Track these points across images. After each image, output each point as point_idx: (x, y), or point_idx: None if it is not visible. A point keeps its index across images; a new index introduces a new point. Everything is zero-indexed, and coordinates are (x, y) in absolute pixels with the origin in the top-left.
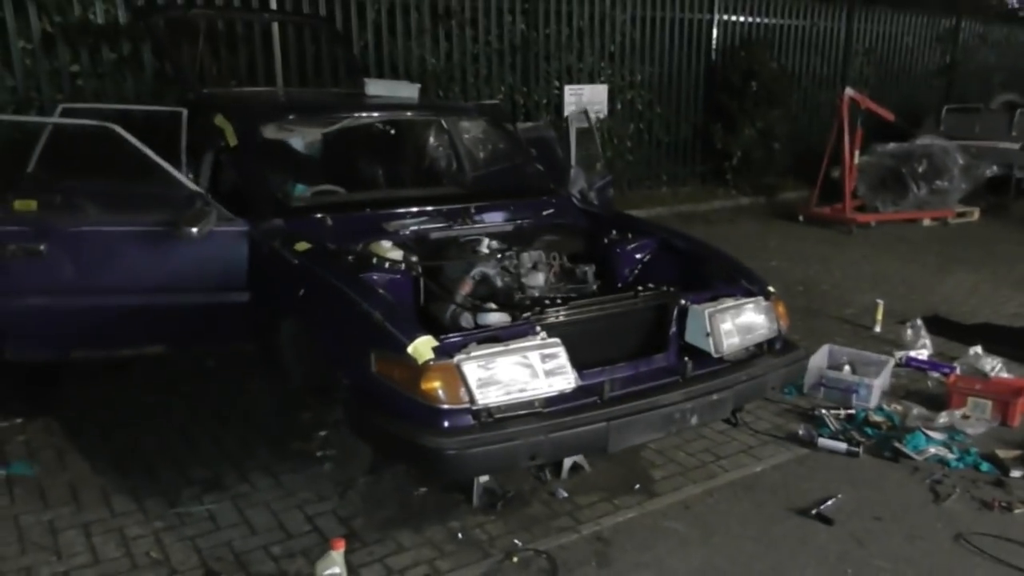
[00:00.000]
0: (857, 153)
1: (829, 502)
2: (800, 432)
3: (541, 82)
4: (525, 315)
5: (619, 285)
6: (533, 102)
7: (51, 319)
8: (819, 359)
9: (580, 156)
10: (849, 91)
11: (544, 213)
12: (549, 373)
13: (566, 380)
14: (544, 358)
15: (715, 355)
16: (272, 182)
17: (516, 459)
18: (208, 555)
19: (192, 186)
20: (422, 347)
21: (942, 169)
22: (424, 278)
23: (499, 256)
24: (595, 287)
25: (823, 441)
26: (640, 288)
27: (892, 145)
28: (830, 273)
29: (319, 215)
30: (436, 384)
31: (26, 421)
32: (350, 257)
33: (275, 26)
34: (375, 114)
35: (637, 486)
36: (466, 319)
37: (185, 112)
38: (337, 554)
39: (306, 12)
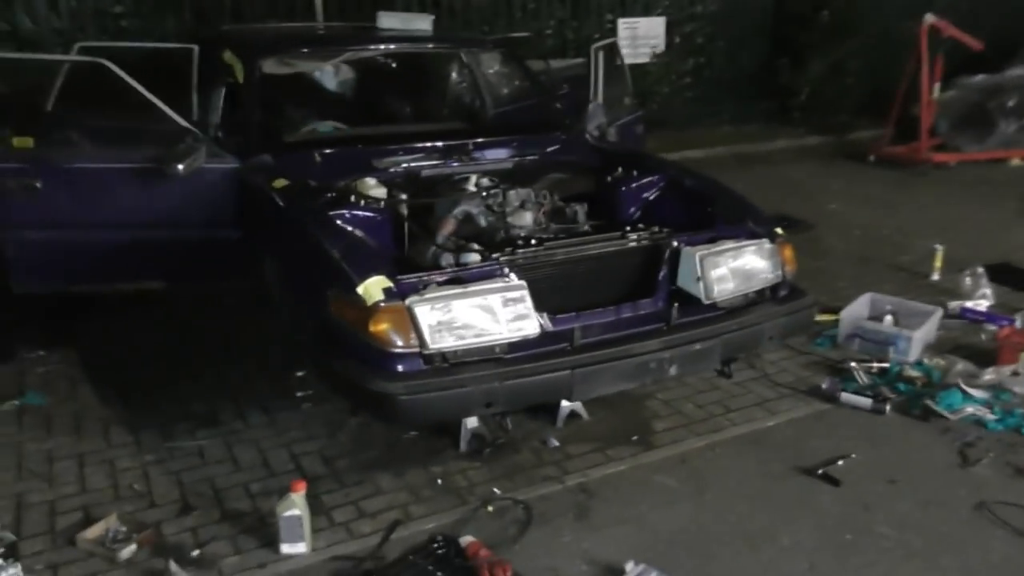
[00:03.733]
0: (937, 87)
1: (840, 462)
2: (824, 386)
3: (592, 16)
4: (494, 255)
5: (620, 225)
6: (584, 37)
7: (50, 253)
8: (858, 308)
9: (609, 91)
10: (930, 17)
11: (548, 150)
12: (512, 318)
13: (530, 325)
14: (507, 302)
15: (705, 301)
16: (265, 117)
17: (469, 406)
18: (189, 490)
19: (182, 122)
20: (372, 287)
21: None
22: (406, 217)
23: (484, 194)
24: (587, 227)
25: (846, 396)
26: (628, 228)
27: (980, 77)
28: (894, 217)
29: (308, 151)
30: (385, 326)
31: (47, 354)
32: (329, 195)
33: None
34: (381, 47)
35: (635, 437)
36: (447, 260)
37: (197, 48)
38: (297, 496)
39: None
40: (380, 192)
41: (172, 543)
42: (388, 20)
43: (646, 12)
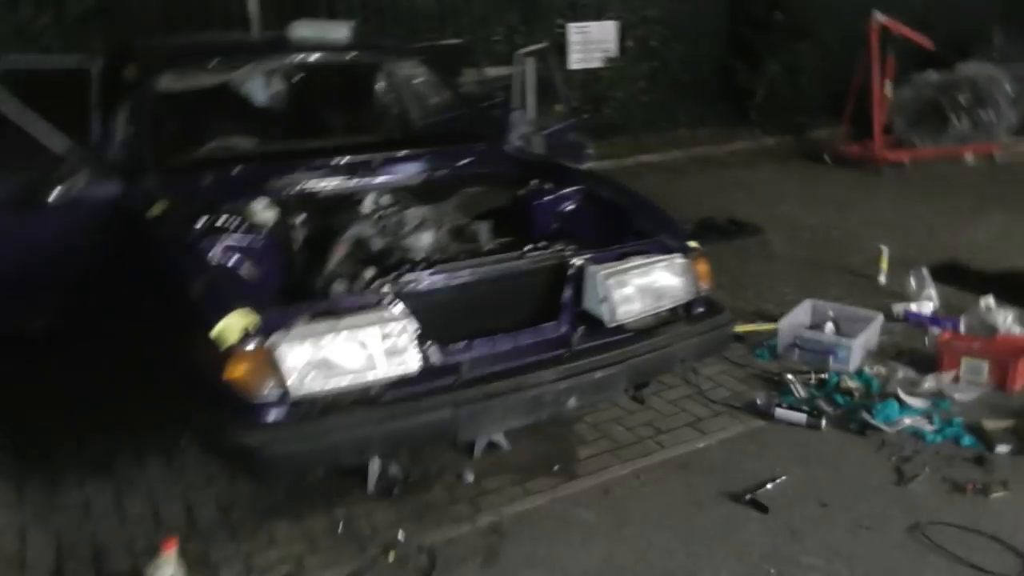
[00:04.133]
0: (889, 84)
1: (770, 485)
2: (758, 401)
3: (542, 21)
4: (377, 282)
5: (528, 242)
6: (535, 42)
7: None
8: (798, 316)
9: (542, 99)
10: (879, 17)
11: (461, 163)
12: (389, 353)
13: (410, 360)
14: (384, 336)
15: (609, 323)
16: (157, 136)
17: (340, 455)
18: (66, 551)
19: (62, 145)
20: (229, 328)
21: (987, 99)
22: (298, 242)
23: (378, 215)
24: (491, 246)
25: (780, 412)
26: (529, 246)
27: (933, 74)
28: (846, 218)
29: (198, 173)
30: (243, 371)
31: None
32: (209, 220)
33: None
34: (286, 58)
35: (556, 467)
36: (339, 288)
37: (98, 64)
38: (167, 556)
39: None
40: (269, 215)
41: None
42: (302, 29)
43: (598, 16)
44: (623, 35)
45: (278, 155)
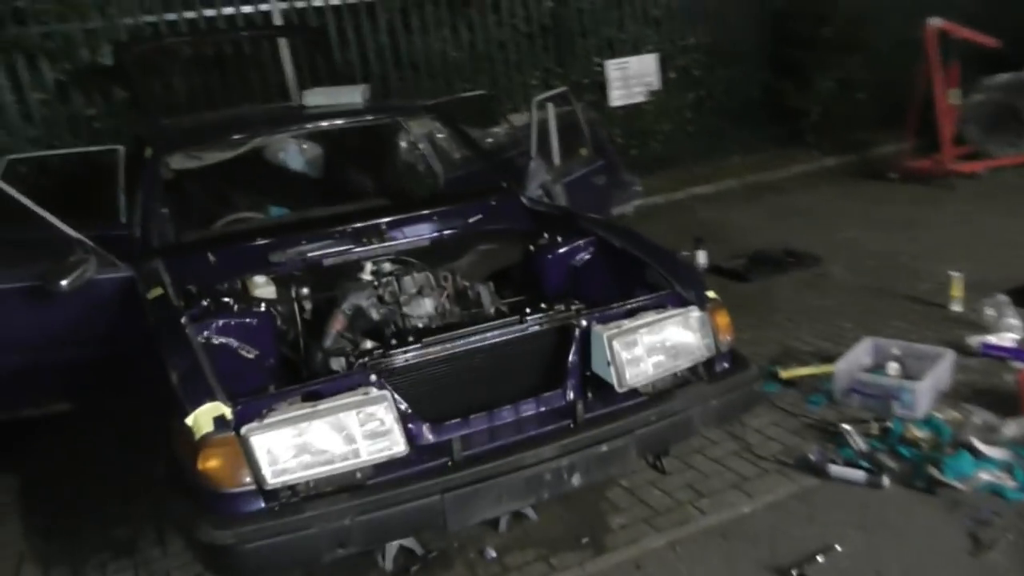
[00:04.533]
0: (956, 92)
1: (820, 557)
2: (811, 457)
3: (579, 61)
4: (362, 360)
5: (539, 301)
6: (572, 83)
7: None
8: (858, 357)
9: (565, 144)
10: (935, 21)
11: (472, 220)
12: (372, 436)
13: (395, 443)
14: (365, 419)
15: (619, 389)
16: (161, 217)
17: (318, 550)
18: None
19: (71, 233)
20: (202, 417)
21: None
22: (293, 318)
23: (375, 284)
24: (494, 309)
25: (835, 469)
26: (528, 311)
27: (1002, 76)
28: (914, 240)
29: (201, 252)
30: (214, 463)
31: None
32: (205, 301)
33: (281, 41)
34: (296, 128)
35: (585, 539)
36: (339, 364)
37: (121, 149)
38: None
39: (291, 24)
40: (269, 291)
41: None
42: (314, 97)
43: (636, 51)
44: (664, 66)
45: (284, 226)
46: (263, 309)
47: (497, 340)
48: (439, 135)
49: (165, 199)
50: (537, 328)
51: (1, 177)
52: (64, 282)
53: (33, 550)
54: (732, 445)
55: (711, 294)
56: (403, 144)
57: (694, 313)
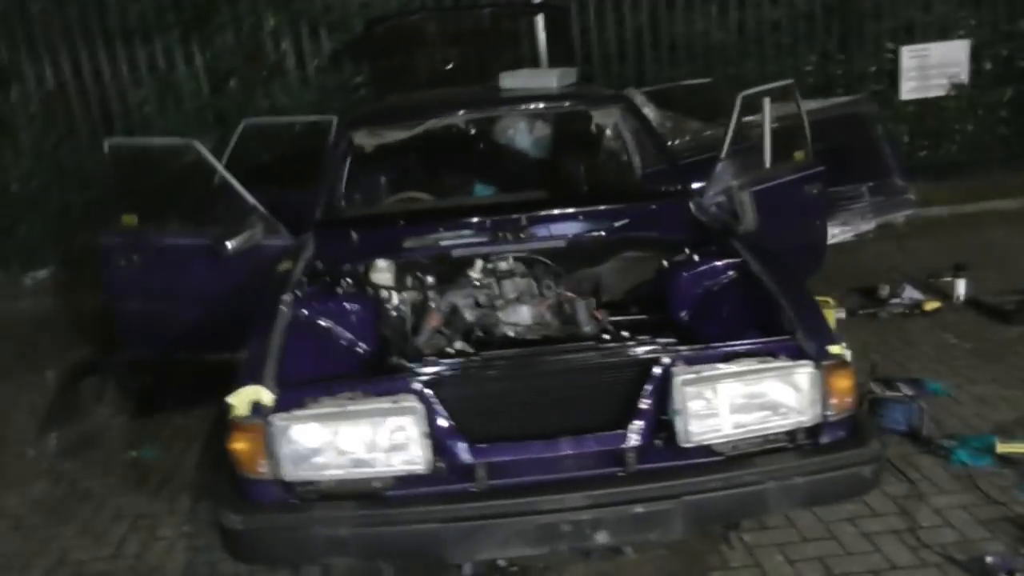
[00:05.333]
0: None
1: None
2: (989, 559)
3: (868, 45)
4: (413, 365)
5: (659, 324)
6: (855, 72)
7: (149, 322)
8: None
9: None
10: None
11: (620, 223)
12: (396, 447)
13: (416, 459)
14: (395, 428)
15: (682, 443)
16: (332, 192)
17: (311, 552)
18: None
19: (249, 200)
20: (242, 399)
21: None
22: (400, 308)
23: (476, 284)
24: (590, 328)
25: None
26: (608, 337)
27: None
28: None
29: (349, 229)
30: (240, 446)
31: (185, 413)
32: (309, 281)
33: (538, 19)
34: (477, 112)
35: None
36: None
37: (335, 120)
38: None
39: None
40: (387, 277)
41: None
42: (511, 80)
43: (943, 36)
44: (977, 56)
45: (433, 212)
46: (368, 294)
47: (566, 365)
48: (589, 128)
49: (359, 173)
50: (608, 359)
51: (238, 140)
52: (230, 244)
53: (195, 481)
54: (896, 521)
55: (837, 349)
56: (608, 132)
57: (804, 369)
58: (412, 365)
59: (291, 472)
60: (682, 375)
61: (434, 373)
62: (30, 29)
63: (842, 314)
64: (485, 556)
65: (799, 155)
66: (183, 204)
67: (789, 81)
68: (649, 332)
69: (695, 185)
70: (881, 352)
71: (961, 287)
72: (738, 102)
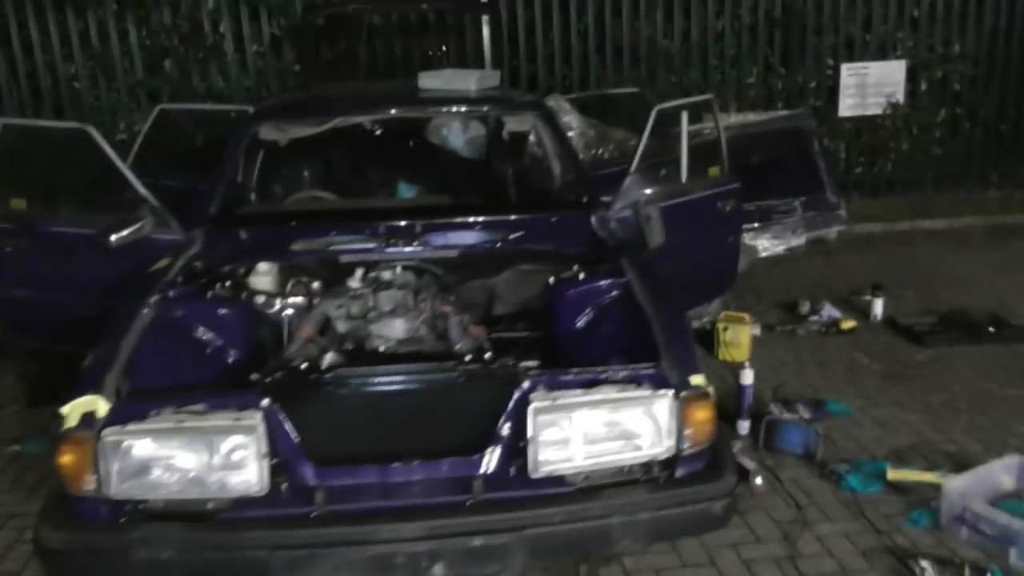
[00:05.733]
0: None
1: None
2: None
3: (809, 60)
4: (266, 380)
5: (540, 343)
6: (796, 86)
7: (34, 312)
8: (990, 475)
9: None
10: None
11: (515, 235)
12: (228, 467)
13: (251, 481)
14: (231, 446)
15: (531, 472)
16: (227, 187)
17: None
18: None
19: (141, 191)
20: (75, 409)
21: None
22: (275, 315)
23: (353, 293)
24: (463, 344)
25: None
26: (469, 358)
27: None
28: None
29: (238, 228)
30: (67, 459)
31: None
32: (202, 281)
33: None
34: (387, 112)
35: None
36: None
37: (251, 111)
38: None
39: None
40: (267, 281)
41: None
42: (430, 80)
43: (881, 55)
44: (914, 76)
45: (329, 214)
46: (242, 299)
47: (420, 385)
48: (590, 132)
49: (265, 169)
50: (469, 381)
51: (152, 125)
52: (113, 237)
53: None
54: (778, 549)
55: (698, 380)
56: (532, 139)
57: (663, 400)
58: (266, 380)
59: (119, 490)
60: (536, 402)
61: (283, 389)
62: None
63: (757, 331)
64: None
65: (714, 171)
66: (78, 191)
67: (708, 96)
68: (527, 350)
69: (608, 198)
70: (794, 370)
71: (879, 307)
72: (652, 115)
